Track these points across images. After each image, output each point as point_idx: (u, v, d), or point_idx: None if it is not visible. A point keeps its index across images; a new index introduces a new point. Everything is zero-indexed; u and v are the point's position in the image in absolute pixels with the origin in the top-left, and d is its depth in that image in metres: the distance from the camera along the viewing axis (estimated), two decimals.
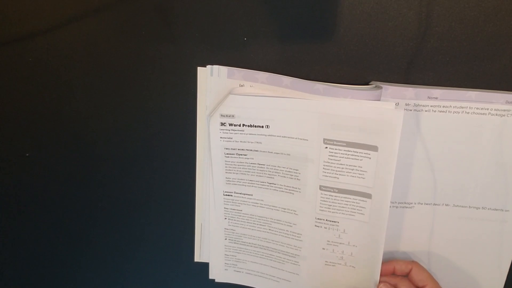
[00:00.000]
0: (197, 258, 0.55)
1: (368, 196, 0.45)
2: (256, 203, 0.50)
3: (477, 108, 0.44)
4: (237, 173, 0.49)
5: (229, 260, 0.54)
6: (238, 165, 0.48)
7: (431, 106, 0.44)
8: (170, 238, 0.54)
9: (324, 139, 0.44)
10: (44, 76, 0.48)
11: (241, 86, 0.45)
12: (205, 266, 0.55)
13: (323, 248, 0.49)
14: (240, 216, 0.51)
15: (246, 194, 0.50)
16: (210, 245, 0.54)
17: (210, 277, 0.55)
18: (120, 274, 0.57)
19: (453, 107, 0.44)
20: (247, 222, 0.51)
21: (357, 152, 0.44)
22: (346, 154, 0.44)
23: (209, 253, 0.54)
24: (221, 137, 0.47)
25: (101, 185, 0.52)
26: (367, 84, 0.44)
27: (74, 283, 0.59)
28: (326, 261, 0.50)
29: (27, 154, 0.51)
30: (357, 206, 0.46)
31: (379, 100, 0.43)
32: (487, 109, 0.44)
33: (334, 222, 0.47)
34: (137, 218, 0.54)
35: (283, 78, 0.44)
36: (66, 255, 0.57)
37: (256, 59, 0.44)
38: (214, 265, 0.55)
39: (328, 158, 0.45)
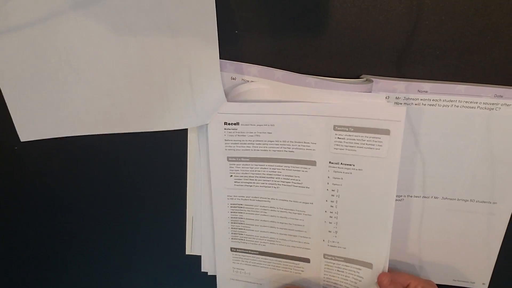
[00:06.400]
0: (188, 251, 0.55)
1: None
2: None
3: (466, 102, 0.44)
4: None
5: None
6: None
7: (421, 99, 0.44)
8: (161, 231, 0.54)
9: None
10: None
11: (233, 79, 0.44)
12: (196, 259, 0.55)
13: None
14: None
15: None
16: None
17: (203, 270, 0.56)
18: (111, 267, 0.57)
19: (443, 100, 0.44)
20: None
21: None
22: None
23: (200, 247, 0.54)
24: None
25: (92, 179, 0.52)
26: (358, 78, 0.45)
27: (66, 276, 0.58)
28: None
29: (16, 148, 0.50)
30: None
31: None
32: (476, 102, 0.44)
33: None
34: (129, 213, 0.54)
35: (275, 71, 0.44)
36: (57, 249, 0.56)
37: (248, 52, 0.44)
38: (205, 259, 0.55)
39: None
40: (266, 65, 0.44)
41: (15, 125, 0.45)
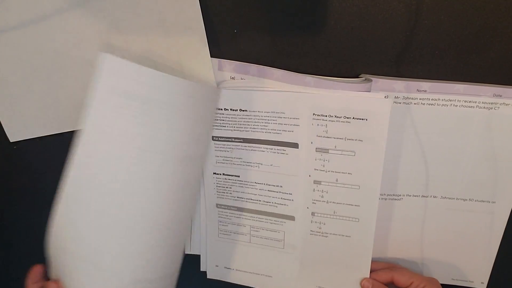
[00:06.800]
0: (187, 250, 0.55)
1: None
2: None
3: (465, 101, 0.44)
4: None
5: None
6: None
7: (420, 99, 0.44)
8: None
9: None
10: None
11: (232, 78, 0.45)
12: (195, 258, 0.55)
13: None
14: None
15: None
16: (201, 238, 0.54)
17: (201, 269, 0.56)
18: None
19: (442, 100, 0.44)
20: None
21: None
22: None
23: (199, 247, 0.55)
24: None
25: None
26: (357, 77, 0.45)
27: None
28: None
29: (15, 147, 0.50)
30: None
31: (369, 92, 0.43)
32: (475, 102, 0.44)
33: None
34: None
35: (274, 70, 0.44)
36: None
37: (247, 51, 0.44)
38: (204, 258, 0.55)
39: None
40: (265, 64, 0.44)
41: (4, 127, 0.46)
